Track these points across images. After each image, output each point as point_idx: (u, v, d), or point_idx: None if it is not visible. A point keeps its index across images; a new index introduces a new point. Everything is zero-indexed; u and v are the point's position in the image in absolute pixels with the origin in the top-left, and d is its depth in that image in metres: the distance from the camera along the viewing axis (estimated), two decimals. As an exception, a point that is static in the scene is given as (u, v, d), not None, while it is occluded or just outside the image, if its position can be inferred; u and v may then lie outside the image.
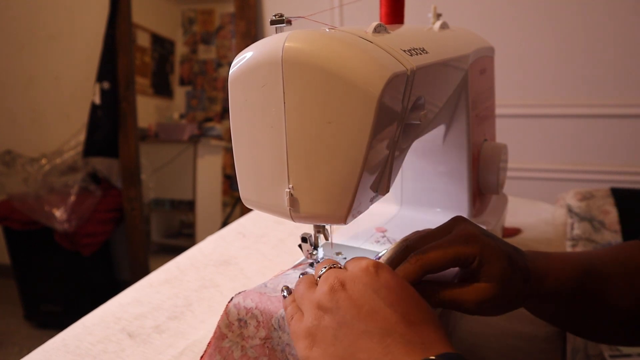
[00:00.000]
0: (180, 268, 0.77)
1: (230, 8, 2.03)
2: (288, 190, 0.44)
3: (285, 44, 0.41)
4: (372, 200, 0.48)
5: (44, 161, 2.15)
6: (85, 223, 2.04)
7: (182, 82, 2.17)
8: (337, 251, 0.58)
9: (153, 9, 2.15)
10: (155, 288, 0.72)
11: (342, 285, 0.38)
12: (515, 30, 1.61)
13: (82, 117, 2.19)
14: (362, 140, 0.41)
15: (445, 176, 0.69)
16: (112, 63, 2.05)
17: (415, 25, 0.61)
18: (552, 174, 1.69)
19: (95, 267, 2.19)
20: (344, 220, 0.44)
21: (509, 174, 0.78)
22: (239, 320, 0.49)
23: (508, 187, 0.83)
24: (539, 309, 0.53)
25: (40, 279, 2.17)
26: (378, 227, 0.67)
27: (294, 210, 0.45)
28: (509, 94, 1.65)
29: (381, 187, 0.47)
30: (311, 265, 0.55)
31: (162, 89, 2.19)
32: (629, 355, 0.65)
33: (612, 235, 0.95)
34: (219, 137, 2.11)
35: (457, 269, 0.50)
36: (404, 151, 0.50)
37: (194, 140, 2.13)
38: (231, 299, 0.49)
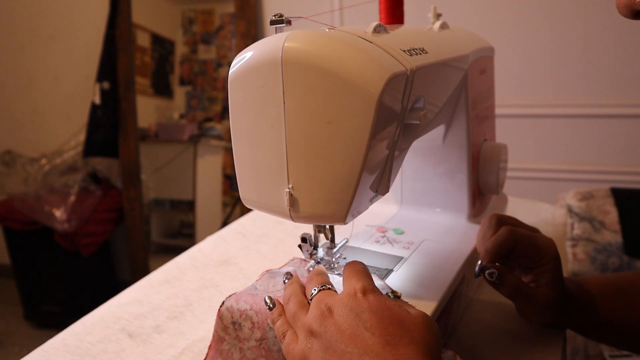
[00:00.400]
0: (180, 268, 0.77)
1: (230, 8, 2.03)
2: (288, 190, 0.44)
3: (285, 44, 0.41)
4: (371, 200, 0.48)
5: (44, 161, 2.15)
6: (85, 223, 2.04)
7: (182, 82, 2.17)
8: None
9: (153, 9, 2.15)
10: (155, 288, 0.72)
11: (330, 311, 0.42)
12: (515, 30, 1.61)
13: (82, 117, 2.19)
14: (362, 140, 0.41)
15: (445, 176, 0.69)
16: (112, 63, 2.05)
17: (415, 25, 0.61)
18: (552, 174, 1.69)
19: (95, 267, 2.19)
20: (343, 220, 0.44)
21: (509, 174, 0.78)
22: (233, 323, 0.49)
23: (508, 187, 0.83)
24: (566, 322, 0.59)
25: (40, 279, 2.17)
26: (378, 227, 0.67)
27: (294, 210, 0.45)
28: (509, 94, 1.65)
29: (381, 187, 0.47)
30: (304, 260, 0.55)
31: (162, 89, 2.19)
32: (628, 355, 0.65)
33: (612, 235, 0.95)
34: (219, 137, 2.11)
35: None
36: (403, 151, 0.50)
37: (194, 140, 2.13)
38: (222, 303, 0.49)
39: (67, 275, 2.15)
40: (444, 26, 0.64)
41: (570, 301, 0.56)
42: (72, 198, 2.02)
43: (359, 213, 0.46)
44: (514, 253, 0.54)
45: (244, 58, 0.44)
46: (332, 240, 0.54)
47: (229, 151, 2.06)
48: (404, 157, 0.52)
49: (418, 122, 0.47)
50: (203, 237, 0.88)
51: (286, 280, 0.50)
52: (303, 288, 0.48)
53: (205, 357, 0.51)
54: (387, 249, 0.61)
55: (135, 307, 0.67)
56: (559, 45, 1.59)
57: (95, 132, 2.10)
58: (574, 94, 1.62)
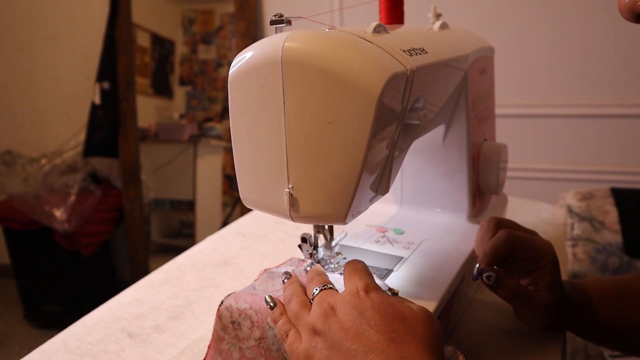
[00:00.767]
0: (180, 268, 0.77)
1: (230, 8, 2.03)
2: (288, 190, 0.44)
3: (285, 44, 0.41)
4: (371, 200, 0.48)
5: (44, 161, 2.15)
6: (85, 223, 2.04)
7: (182, 82, 2.17)
8: (337, 251, 0.58)
9: (153, 9, 2.15)
10: (155, 288, 0.72)
11: (333, 309, 0.42)
12: (515, 30, 1.61)
13: (82, 117, 2.19)
14: (362, 140, 0.41)
15: (445, 176, 0.69)
16: (112, 63, 2.05)
17: (415, 25, 0.61)
18: (552, 174, 1.69)
19: (95, 267, 2.19)
20: (343, 220, 0.44)
21: (509, 174, 0.78)
22: (233, 322, 0.49)
23: (508, 187, 0.83)
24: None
25: (40, 279, 2.17)
26: (378, 227, 0.67)
27: (294, 210, 0.45)
28: (509, 94, 1.65)
29: (381, 187, 0.47)
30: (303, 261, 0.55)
31: (162, 89, 2.19)
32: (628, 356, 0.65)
33: (612, 235, 0.95)
34: (219, 137, 2.11)
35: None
36: (403, 151, 0.50)
37: (194, 140, 2.13)
38: (222, 302, 0.49)
39: (67, 275, 2.15)
40: (444, 26, 0.64)
41: (569, 304, 0.56)
42: (72, 198, 2.02)
43: (359, 213, 0.46)
44: (512, 256, 0.54)
45: (244, 58, 0.44)
46: (331, 239, 0.54)
47: (229, 151, 2.06)
48: (404, 157, 0.52)
49: (418, 122, 0.47)
50: (203, 237, 0.88)
51: (285, 280, 0.50)
52: (303, 288, 0.48)
53: (205, 357, 0.51)
54: (387, 249, 0.61)
55: (135, 307, 0.67)
56: (559, 45, 1.59)
57: (95, 132, 2.10)
58: (574, 94, 1.62)
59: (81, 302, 2.12)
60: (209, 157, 2.14)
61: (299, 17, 0.47)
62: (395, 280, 0.55)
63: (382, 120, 0.41)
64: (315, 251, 0.53)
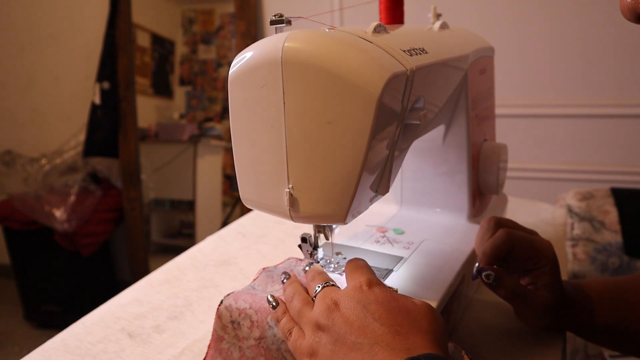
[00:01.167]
0: (180, 268, 0.77)
1: (230, 8, 2.03)
2: (288, 190, 0.44)
3: (285, 44, 0.41)
4: (371, 200, 0.48)
5: (44, 161, 2.15)
6: (85, 223, 2.04)
7: (182, 82, 2.17)
8: (337, 251, 0.58)
9: (153, 9, 2.15)
10: (155, 288, 0.72)
11: (336, 304, 0.42)
12: (515, 30, 1.61)
13: (82, 117, 2.19)
14: (362, 140, 0.41)
15: (445, 176, 0.69)
16: (112, 63, 2.05)
17: (415, 25, 0.61)
18: (552, 174, 1.69)
19: (95, 267, 2.19)
20: (343, 220, 0.44)
21: (509, 174, 0.78)
22: (232, 322, 0.49)
23: (508, 187, 0.83)
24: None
25: (40, 279, 2.17)
26: (378, 227, 0.67)
27: (294, 210, 0.45)
28: (509, 94, 1.65)
29: (381, 187, 0.47)
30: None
31: (162, 89, 2.19)
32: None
33: (612, 235, 0.95)
34: (219, 137, 2.11)
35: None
36: (403, 151, 0.50)
37: (194, 140, 2.13)
38: (221, 302, 0.49)
39: (67, 275, 2.15)
40: (444, 26, 0.64)
41: (569, 304, 0.56)
42: (72, 198, 2.02)
43: (359, 213, 0.46)
44: (511, 255, 0.54)
45: (244, 58, 0.44)
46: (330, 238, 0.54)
47: (229, 151, 2.06)
48: (404, 157, 0.52)
49: (418, 122, 0.47)
50: (203, 237, 0.88)
51: (285, 280, 0.50)
52: (304, 287, 0.48)
53: (205, 357, 0.51)
54: (387, 249, 0.61)
55: (135, 307, 0.67)
56: (559, 45, 1.59)
57: (95, 132, 2.10)
58: (574, 94, 1.62)
59: (81, 302, 2.12)
60: (209, 157, 2.14)
61: (299, 17, 0.47)
62: (395, 280, 0.55)
63: (382, 120, 0.41)
64: (315, 251, 0.53)
